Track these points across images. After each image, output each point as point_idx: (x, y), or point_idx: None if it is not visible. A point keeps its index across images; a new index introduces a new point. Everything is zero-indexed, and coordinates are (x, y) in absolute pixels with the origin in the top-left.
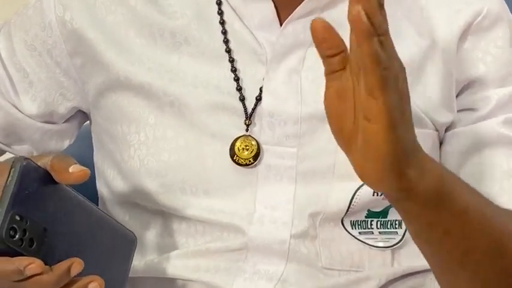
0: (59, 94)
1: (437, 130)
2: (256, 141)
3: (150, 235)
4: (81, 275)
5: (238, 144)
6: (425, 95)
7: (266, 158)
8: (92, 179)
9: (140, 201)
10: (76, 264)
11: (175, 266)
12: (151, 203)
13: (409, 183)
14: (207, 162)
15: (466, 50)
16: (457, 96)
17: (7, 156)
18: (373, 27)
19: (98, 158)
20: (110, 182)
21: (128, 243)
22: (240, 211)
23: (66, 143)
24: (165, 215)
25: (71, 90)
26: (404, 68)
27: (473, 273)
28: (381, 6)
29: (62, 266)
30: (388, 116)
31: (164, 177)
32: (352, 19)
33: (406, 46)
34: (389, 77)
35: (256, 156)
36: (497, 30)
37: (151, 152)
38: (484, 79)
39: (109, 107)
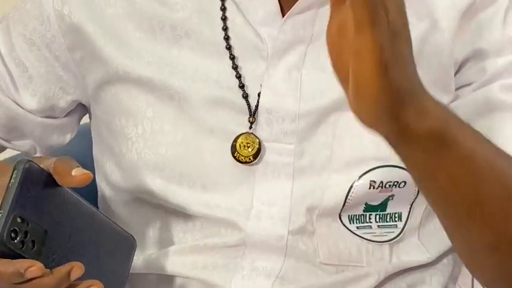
0: (59, 88)
1: None
2: (258, 139)
3: (149, 230)
4: (81, 278)
5: (240, 141)
6: (422, 78)
7: (265, 155)
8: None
9: (138, 195)
10: (76, 269)
11: (173, 263)
12: (149, 197)
13: (406, 126)
14: (205, 157)
15: (466, 30)
16: (454, 75)
17: (8, 152)
18: None
19: (97, 152)
20: (109, 175)
21: (127, 246)
22: (236, 207)
23: (68, 137)
24: (163, 209)
25: (70, 84)
26: (405, 12)
27: (485, 225)
28: None
29: (63, 269)
30: (377, 55)
31: (162, 171)
32: None
33: None
34: (380, 13)
35: (257, 154)
36: (494, 7)
37: (148, 145)
38: (481, 53)
39: (108, 101)
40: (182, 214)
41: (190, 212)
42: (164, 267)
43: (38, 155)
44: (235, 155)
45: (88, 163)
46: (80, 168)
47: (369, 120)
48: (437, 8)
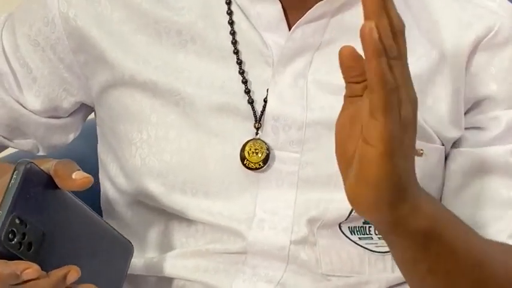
0: (63, 89)
1: (443, 145)
2: (267, 144)
3: (151, 233)
4: (76, 282)
5: (247, 148)
6: (434, 109)
7: (269, 162)
8: (95, 177)
9: (141, 198)
10: (73, 272)
11: (175, 266)
12: (153, 202)
13: (399, 218)
14: (209, 164)
15: (476, 67)
16: (465, 114)
17: (8, 150)
18: (384, 46)
19: (101, 150)
20: (113, 177)
21: (124, 252)
22: (239, 215)
23: (71, 137)
24: (165, 214)
25: (74, 85)
26: (417, 99)
27: None
28: (399, 32)
29: (59, 272)
30: (386, 141)
31: (165, 178)
32: (363, 34)
33: (416, 57)
34: (393, 101)
35: (266, 160)
36: (509, 48)
37: (153, 152)
38: (494, 98)
39: (112, 105)
40: (185, 219)
41: (193, 218)
42: (165, 270)
43: (40, 154)
44: (244, 162)
45: (91, 162)
46: (81, 171)
47: (366, 205)
48: (446, 40)
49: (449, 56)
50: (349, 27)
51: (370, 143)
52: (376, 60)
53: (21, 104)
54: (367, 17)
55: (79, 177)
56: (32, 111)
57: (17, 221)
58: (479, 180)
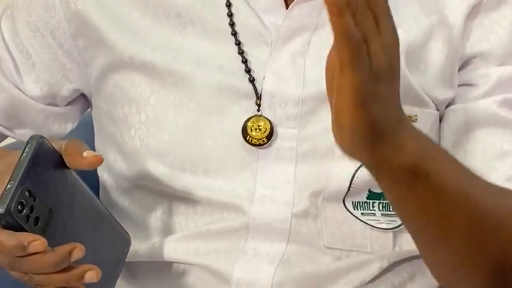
0: (62, 76)
1: (438, 109)
2: (269, 121)
3: (151, 218)
4: (78, 262)
5: (250, 124)
6: (427, 74)
7: (272, 138)
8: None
9: (141, 182)
10: (78, 249)
11: (175, 250)
12: (152, 183)
13: (382, 158)
14: (208, 142)
15: (473, 27)
16: (458, 71)
17: (6, 141)
18: (346, 2)
19: (98, 143)
20: (111, 164)
21: (123, 243)
22: (240, 191)
23: (69, 127)
24: (165, 197)
25: (73, 72)
26: (397, 45)
27: (451, 250)
28: None
29: (65, 248)
30: (355, 93)
31: (165, 157)
32: None
33: (409, 25)
34: (361, 54)
35: (270, 136)
36: (503, 10)
37: (151, 132)
38: (486, 55)
39: (111, 89)
40: (184, 201)
41: (194, 197)
42: (166, 255)
43: None
44: (247, 138)
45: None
46: (91, 151)
47: (347, 149)
48: (446, 3)
49: (450, 17)
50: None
51: (341, 94)
52: (337, 16)
53: (20, 90)
54: None
55: (90, 155)
56: (30, 97)
57: (27, 194)
58: (472, 135)
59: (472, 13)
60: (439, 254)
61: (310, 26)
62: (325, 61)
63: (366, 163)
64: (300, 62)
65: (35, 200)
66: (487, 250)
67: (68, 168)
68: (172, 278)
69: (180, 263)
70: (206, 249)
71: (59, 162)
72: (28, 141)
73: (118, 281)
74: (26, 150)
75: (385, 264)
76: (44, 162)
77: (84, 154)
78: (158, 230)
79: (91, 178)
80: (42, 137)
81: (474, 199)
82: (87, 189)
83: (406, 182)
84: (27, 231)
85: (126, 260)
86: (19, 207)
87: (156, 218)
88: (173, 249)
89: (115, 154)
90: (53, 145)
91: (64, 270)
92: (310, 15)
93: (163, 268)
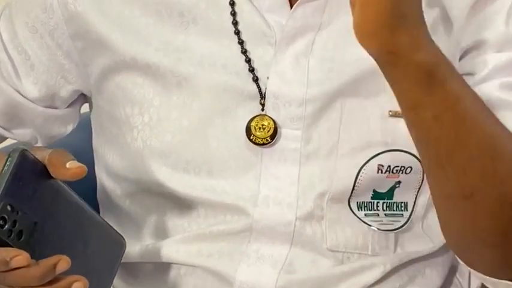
0: (61, 77)
1: None
2: (273, 120)
3: (151, 220)
4: (66, 273)
5: (254, 123)
6: None
7: (276, 138)
8: (91, 170)
9: (142, 185)
10: (62, 262)
11: (178, 251)
12: (154, 186)
13: (400, 47)
14: (211, 143)
15: (474, 17)
16: (458, 61)
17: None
18: None
19: (97, 144)
20: (110, 166)
21: (116, 247)
22: (243, 192)
23: (70, 128)
24: (166, 199)
25: (72, 73)
26: None
27: (462, 171)
28: None
29: (49, 261)
30: None
31: (168, 158)
32: None
33: None
34: None
35: (273, 135)
36: (500, 2)
37: (154, 133)
38: (484, 43)
39: (112, 90)
40: (187, 203)
41: (197, 198)
42: (168, 256)
43: (38, 144)
44: (251, 137)
45: (87, 156)
46: (75, 161)
47: (367, 32)
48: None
49: (454, 9)
50: (347, 5)
51: None
52: None
53: (19, 92)
54: None
55: (73, 166)
56: (30, 100)
57: (8, 208)
58: None
59: (474, 7)
60: (451, 180)
61: (314, 26)
62: (330, 59)
63: (380, 56)
64: (304, 62)
65: (17, 214)
66: (499, 178)
67: (53, 178)
68: (174, 279)
69: (182, 264)
70: (209, 251)
71: (43, 173)
72: (9, 153)
73: (118, 281)
74: (7, 163)
75: (388, 268)
76: (27, 174)
77: (67, 165)
78: (159, 232)
79: (90, 179)
80: (24, 149)
81: (486, 118)
82: (76, 196)
83: (421, 83)
84: (10, 245)
85: (126, 261)
86: (1, 222)
87: (156, 220)
88: (175, 251)
89: (114, 156)
90: (36, 156)
91: (50, 283)
92: (313, 15)
93: (165, 270)
